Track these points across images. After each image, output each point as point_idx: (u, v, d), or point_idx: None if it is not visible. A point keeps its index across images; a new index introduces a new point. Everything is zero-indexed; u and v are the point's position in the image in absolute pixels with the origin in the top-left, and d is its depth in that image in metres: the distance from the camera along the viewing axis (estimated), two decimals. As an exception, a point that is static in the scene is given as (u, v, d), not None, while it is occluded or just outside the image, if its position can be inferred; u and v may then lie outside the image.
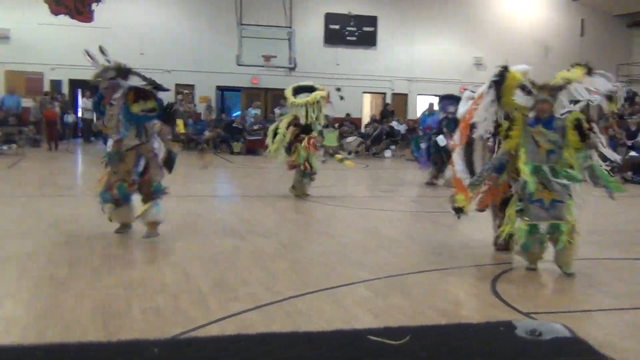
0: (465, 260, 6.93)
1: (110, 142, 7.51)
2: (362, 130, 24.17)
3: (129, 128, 7.33)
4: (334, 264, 6.50)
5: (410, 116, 25.74)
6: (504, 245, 7.02)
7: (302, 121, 11.14)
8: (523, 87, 6.20)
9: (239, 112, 25.24)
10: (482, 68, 25.76)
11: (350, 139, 21.73)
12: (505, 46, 25.26)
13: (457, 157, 6.93)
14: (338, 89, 12.05)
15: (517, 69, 6.48)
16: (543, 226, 6.16)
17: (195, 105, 24.12)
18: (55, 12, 22.42)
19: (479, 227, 8.19)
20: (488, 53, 26.16)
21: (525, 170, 6.12)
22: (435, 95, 25.49)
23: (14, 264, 6.15)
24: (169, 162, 7.74)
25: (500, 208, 6.88)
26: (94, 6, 22.72)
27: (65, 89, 23.53)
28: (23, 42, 22.42)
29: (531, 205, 6.12)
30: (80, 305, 4.88)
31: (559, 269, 6.28)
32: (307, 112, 11.13)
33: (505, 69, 6.26)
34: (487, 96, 6.33)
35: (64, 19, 22.44)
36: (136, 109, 7.26)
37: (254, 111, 22.77)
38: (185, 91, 23.96)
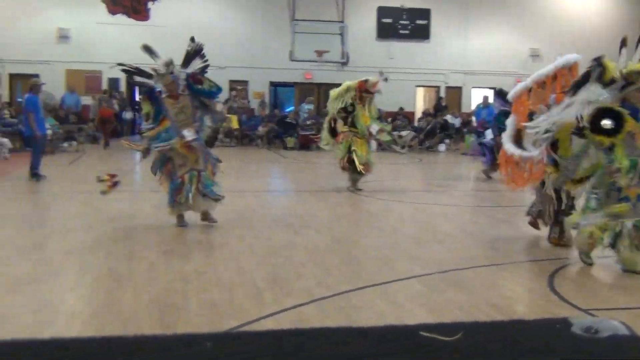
0: (522, 255, 6.82)
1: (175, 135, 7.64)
2: (416, 124, 23.99)
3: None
4: (388, 259, 6.48)
5: (464, 109, 25.43)
6: (557, 239, 6.90)
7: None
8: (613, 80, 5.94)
9: (292, 108, 25.36)
10: (539, 60, 25.25)
11: (403, 133, 21.60)
12: (562, 37, 24.72)
13: (507, 138, 6.74)
14: (381, 73, 12.04)
15: (569, 58, 6.30)
16: (629, 224, 5.90)
17: (249, 101, 24.35)
18: (113, 12, 22.90)
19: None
20: (545, 44, 25.64)
21: (625, 164, 5.82)
22: (490, 88, 25.17)
23: (75, 258, 6.31)
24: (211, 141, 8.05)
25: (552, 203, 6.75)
26: (150, 5, 23.14)
27: (122, 87, 24.01)
28: (82, 42, 22.96)
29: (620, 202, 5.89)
30: (138, 299, 4.98)
31: (624, 266, 6.04)
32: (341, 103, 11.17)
33: (600, 62, 5.92)
34: (588, 92, 5.97)
35: (121, 18, 22.91)
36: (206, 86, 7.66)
37: (307, 106, 22.87)
38: (239, 87, 24.19)
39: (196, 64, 7.90)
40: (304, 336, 1.66)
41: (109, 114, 20.63)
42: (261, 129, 22.18)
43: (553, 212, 6.99)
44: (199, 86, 7.71)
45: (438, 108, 24.48)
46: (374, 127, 11.41)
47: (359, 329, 1.56)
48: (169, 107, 7.69)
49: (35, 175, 12.03)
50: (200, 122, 7.85)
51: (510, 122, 6.87)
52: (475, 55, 25.64)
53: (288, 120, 22.16)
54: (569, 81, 6.31)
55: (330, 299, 5.06)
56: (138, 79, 7.94)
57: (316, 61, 22.99)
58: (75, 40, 22.99)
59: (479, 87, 25.54)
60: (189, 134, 7.57)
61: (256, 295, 5.11)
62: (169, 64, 7.69)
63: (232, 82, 24.08)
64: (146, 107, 7.88)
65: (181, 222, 7.92)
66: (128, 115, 23.51)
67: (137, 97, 22.66)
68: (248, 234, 7.61)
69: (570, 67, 6.52)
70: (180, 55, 8.00)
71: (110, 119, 20.83)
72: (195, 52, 7.96)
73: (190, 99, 7.73)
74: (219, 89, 8.04)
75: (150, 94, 7.85)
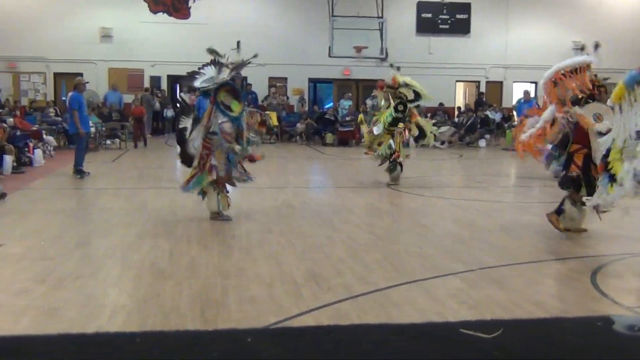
0: (564, 252, 6.72)
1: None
2: (455, 119, 23.78)
3: None
4: (428, 255, 6.45)
5: (505, 104, 25.12)
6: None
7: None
8: None
9: (331, 104, 25.37)
10: (582, 53, 24.82)
11: (443, 128, 21.43)
12: (606, 30, 24.24)
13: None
14: (391, 65, 12.23)
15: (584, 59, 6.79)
16: None
17: (287, 98, 24.41)
18: (154, 10, 23.22)
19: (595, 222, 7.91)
20: (588, 37, 25.13)
21: None
22: (532, 83, 24.91)
23: (118, 253, 6.43)
24: None
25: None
26: (190, 3, 23.40)
27: (164, 85, 24.30)
28: (125, 40, 23.28)
29: None
30: (179, 294, 5.04)
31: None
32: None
33: None
34: None
35: (162, 16, 23.22)
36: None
37: (346, 102, 22.83)
38: (279, 84, 24.27)
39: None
40: (343, 332, 1.66)
41: (141, 112, 20.09)
42: (300, 126, 22.23)
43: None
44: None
45: (479, 103, 24.24)
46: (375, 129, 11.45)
47: (397, 325, 1.54)
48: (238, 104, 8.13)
49: (78, 172, 12.26)
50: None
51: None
52: (516, 49, 25.28)
53: (327, 116, 22.16)
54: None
55: (369, 296, 5.06)
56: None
57: (355, 57, 22.95)
58: (118, 39, 23.33)
59: (520, 82, 25.20)
60: None
61: (295, 292, 5.13)
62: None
63: (271, 78, 24.18)
64: (236, 106, 8.06)
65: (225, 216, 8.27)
66: (169, 113, 23.77)
67: (179, 96, 22.91)
68: (287, 230, 7.65)
69: (579, 69, 7.08)
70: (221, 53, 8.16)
71: (142, 117, 20.08)
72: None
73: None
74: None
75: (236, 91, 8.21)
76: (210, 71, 8.21)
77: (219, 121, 7.93)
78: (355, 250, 6.67)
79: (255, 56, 8.21)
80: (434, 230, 7.75)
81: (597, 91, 7.27)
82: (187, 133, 8.09)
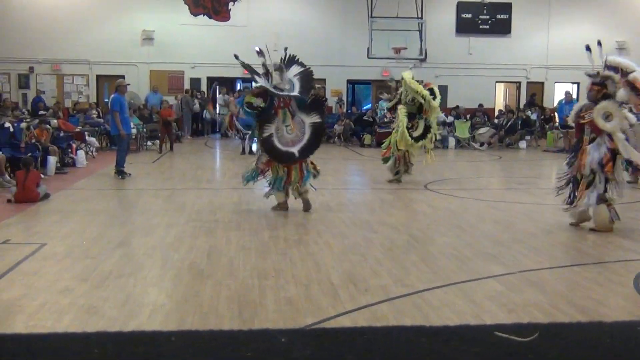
0: (605, 255, 6.61)
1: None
2: (495, 120, 23.53)
3: None
4: (466, 258, 6.40)
5: (546, 105, 24.78)
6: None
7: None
8: None
9: (369, 105, 25.33)
10: (626, 53, 24.36)
11: (482, 130, 21.22)
12: (651, 29, 23.78)
13: None
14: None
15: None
16: None
17: (326, 100, 24.40)
18: (195, 13, 23.45)
19: (623, 221, 7.78)
20: (632, 37, 24.70)
21: None
22: (573, 83, 24.53)
23: (158, 253, 6.51)
24: None
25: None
26: (230, 5, 23.59)
27: (203, 87, 24.53)
28: (165, 43, 23.59)
29: None
30: (218, 294, 5.09)
31: None
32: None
33: None
34: None
35: (202, 19, 23.44)
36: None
37: (385, 103, 22.74)
38: (318, 85, 24.28)
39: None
40: (377, 334, 1.65)
41: (169, 115, 18.99)
42: (338, 127, 22.22)
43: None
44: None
45: (531, 104, 23.97)
46: None
47: (430, 327, 1.53)
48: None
49: (120, 172, 12.45)
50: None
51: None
52: (557, 49, 24.90)
53: (365, 118, 22.12)
54: None
55: (406, 298, 5.04)
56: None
57: (394, 58, 22.86)
58: (159, 41, 23.63)
59: (562, 82, 24.84)
60: None
61: (332, 293, 5.14)
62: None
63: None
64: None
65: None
66: (209, 114, 23.98)
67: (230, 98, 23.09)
68: (325, 231, 7.66)
69: None
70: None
71: (170, 120, 18.95)
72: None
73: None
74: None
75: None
76: (260, 80, 8.84)
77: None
78: (393, 251, 6.66)
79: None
80: (472, 233, 7.69)
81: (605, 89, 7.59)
82: (274, 139, 8.69)
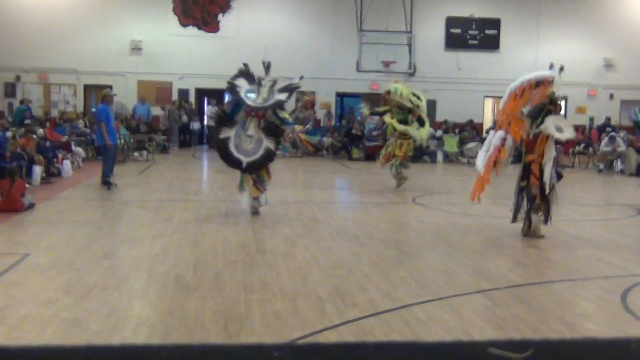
0: (594, 271, 6.63)
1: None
2: (484, 135, 23.63)
3: None
4: (454, 272, 6.40)
5: (535, 120, 24.93)
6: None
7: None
8: None
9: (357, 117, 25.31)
10: (612, 70, 24.60)
11: (470, 144, 21.31)
12: (638, 46, 24.00)
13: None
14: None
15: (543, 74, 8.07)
16: None
17: (315, 112, 24.42)
18: (184, 24, 23.48)
19: (610, 237, 7.82)
20: (619, 54, 24.92)
21: None
22: (561, 99, 24.68)
23: (144, 265, 6.46)
24: None
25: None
26: (220, 17, 23.63)
27: (192, 98, 24.49)
28: (154, 53, 23.53)
29: None
30: (204, 308, 5.05)
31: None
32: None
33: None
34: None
35: (192, 29, 23.47)
36: None
37: (364, 107, 22.73)
38: (306, 97, 24.27)
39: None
40: (368, 349, 1.64)
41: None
42: (326, 140, 22.23)
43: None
44: None
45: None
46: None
47: (424, 344, 1.52)
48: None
49: (106, 183, 12.36)
50: None
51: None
52: (546, 65, 25.08)
53: (354, 131, 22.15)
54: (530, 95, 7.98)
55: (394, 312, 5.02)
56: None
57: (383, 72, 22.94)
58: (147, 51, 23.58)
59: (550, 98, 25.01)
60: None
61: (319, 307, 5.11)
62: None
63: (298, 92, 24.21)
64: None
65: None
66: (196, 125, 23.94)
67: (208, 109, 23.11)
68: (312, 244, 7.64)
69: (541, 83, 7.98)
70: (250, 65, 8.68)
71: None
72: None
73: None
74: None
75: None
76: (243, 83, 9.35)
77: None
78: (380, 266, 6.64)
79: (301, 78, 9.69)
80: (459, 247, 7.69)
81: (554, 106, 8.27)
82: (230, 143, 9.17)
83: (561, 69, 8.33)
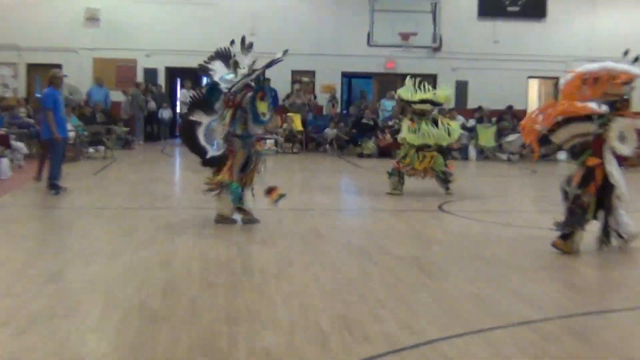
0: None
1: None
2: (528, 125, 23.61)
3: None
4: (490, 298, 6.37)
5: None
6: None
7: None
8: None
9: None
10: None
11: (511, 137, 21.30)
12: None
13: None
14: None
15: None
16: None
17: (315, 97, 24.45)
18: (152, -13, 23.52)
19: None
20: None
21: None
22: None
23: (99, 290, 6.43)
24: None
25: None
26: (200, -21, 23.66)
27: (161, 79, 24.51)
28: (114, 25, 23.54)
29: None
30: (176, 342, 5.02)
31: None
32: None
33: None
34: None
35: (161, -5, 23.51)
36: None
37: (389, 103, 22.81)
38: (304, 79, 24.32)
39: None
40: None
41: None
42: (330, 131, 22.24)
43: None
44: None
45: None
46: None
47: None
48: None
49: (54, 186, 12.31)
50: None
51: None
52: (604, 38, 25.06)
53: (364, 121, 22.16)
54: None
55: (416, 349, 4.99)
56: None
57: (401, 46, 22.96)
58: (106, 22, 23.60)
59: (610, 79, 24.99)
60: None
61: (321, 342, 5.09)
62: None
63: (295, 72, 24.24)
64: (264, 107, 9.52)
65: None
66: (166, 114, 23.96)
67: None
68: (313, 262, 7.62)
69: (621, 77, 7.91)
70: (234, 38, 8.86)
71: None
72: None
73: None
74: None
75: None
76: (219, 66, 9.66)
77: (256, 130, 9.70)
78: (398, 289, 6.62)
79: (285, 52, 9.41)
80: (497, 266, 7.67)
81: (626, 107, 8.15)
82: (200, 130, 9.43)
83: (636, 59, 8.22)
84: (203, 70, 9.93)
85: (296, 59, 23.39)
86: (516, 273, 7.39)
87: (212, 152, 9.45)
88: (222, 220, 9.55)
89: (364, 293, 6.46)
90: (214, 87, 9.70)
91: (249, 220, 9.59)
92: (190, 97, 10.05)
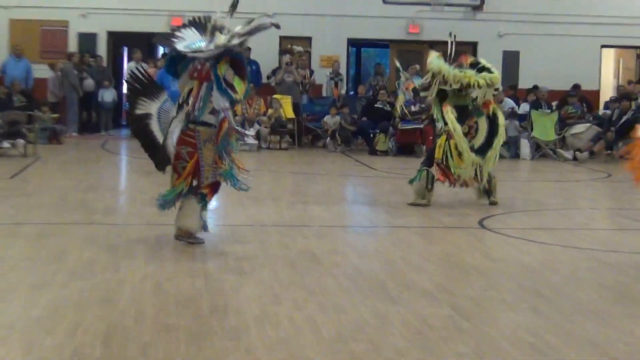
0: None
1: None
2: (600, 112, 23.63)
3: None
4: (553, 346, 6.38)
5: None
6: None
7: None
8: None
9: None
10: None
11: (579, 127, 21.29)
12: None
13: None
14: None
15: None
16: None
17: (312, 73, 24.43)
18: None
19: None
20: None
21: None
22: None
23: (17, 335, 6.41)
24: None
25: None
26: None
27: (102, 49, 24.49)
28: (38, -25, 23.60)
29: None
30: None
31: None
32: None
33: None
34: None
35: None
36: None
37: (413, 80, 22.79)
38: (297, 48, 24.30)
39: None
40: None
41: None
42: (331, 120, 22.20)
43: None
44: None
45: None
46: None
47: None
48: None
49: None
50: None
51: None
52: None
53: (378, 105, 22.14)
54: None
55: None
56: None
57: (428, 4, 22.99)
58: (27, -30, 23.65)
59: None
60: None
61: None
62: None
63: (284, 39, 24.24)
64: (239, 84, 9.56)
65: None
66: (108, 95, 23.91)
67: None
68: (308, 299, 7.61)
69: None
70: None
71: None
72: None
73: None
74: None
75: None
76: (192, 34, 9.71)
77: (221, 105, 9.35)
78: (426, 336, 6.62)
79: (272, 19, 9.90)
80: (560, 304, 7.67)
81: None
82: (153, 123, 9.54)
83: None
84: (164, 39, 10.00)
85: (286, 20, 23.46)
86: (585, 314, 7.38)
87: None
88: (186, 237, 9.59)
89: (378, 342, 6.46)
90: (174, 59, 9.75)
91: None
92: (126, 81, 10.15)
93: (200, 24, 9.83)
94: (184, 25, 9.98)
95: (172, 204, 9.68)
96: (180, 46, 9.53)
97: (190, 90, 9.44)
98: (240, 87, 9.46)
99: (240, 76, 9.51)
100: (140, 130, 9.77)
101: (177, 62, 9.68)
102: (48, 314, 7.01)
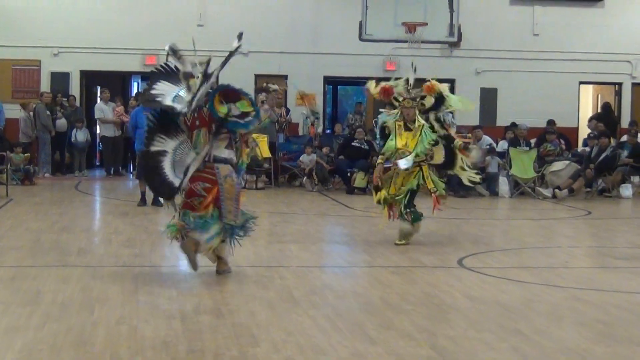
0: None
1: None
2: (579, 149, 23.74)
3: None
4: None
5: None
6: None
7: None
8: None
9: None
10: None
11: (557, 165, 21.39)
12: None
13: None
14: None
15: None
16: None
17: (289, 111, 24.44)
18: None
19: None
20: None
21: None
22: None
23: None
24: None
25: None
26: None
27: (75, 88, 24.46)
28: (10, 12, 23.56)
29: None
30: None
31: None
32: None
33: None
34: None
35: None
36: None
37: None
38: (272, 86, 24.32)
39: None
40: None
41: None
42: (307, 159, 22.21)
43: None
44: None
45: (605, 118, 24.28)
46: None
47: None
48: None
49: None
50: None
51: None
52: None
53: (355, 143, 22.18)
54: None
55: None
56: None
57: (405, 41, 23.08)
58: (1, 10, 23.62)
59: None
60: None
61: None
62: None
63: (259, 77, 24.26)
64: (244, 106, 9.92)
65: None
66: (81, 135, 23.87)
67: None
68: (287, 340, 7.61)
69: None
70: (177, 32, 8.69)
71: None
72: None
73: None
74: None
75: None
76: (166, 87, 10.09)
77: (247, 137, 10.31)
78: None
79: (240, 36, 10.00)
80: (541, 344, 7.69)
81: None
82: (166, 160, 9.78)
83: None
84: (150, 102, 10.09)
85: (261, 59, 23.57)
86: (567, 353, 7.40)
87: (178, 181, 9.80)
88: (189, 253, 9.81)
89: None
90: (164, 114, 9.95)
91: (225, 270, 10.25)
92: (149, 121, 10.11)
93: (167, 73, 10.16)
94: (152, 81, 10.27)
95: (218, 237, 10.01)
96: (167, 101, 9.85)
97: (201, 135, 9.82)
98: (246, 107, 9.85)
99: (238, 99, 9.84)
100: (153, 164, 9.87)
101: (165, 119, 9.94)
102: (23, 358, 6.99)
